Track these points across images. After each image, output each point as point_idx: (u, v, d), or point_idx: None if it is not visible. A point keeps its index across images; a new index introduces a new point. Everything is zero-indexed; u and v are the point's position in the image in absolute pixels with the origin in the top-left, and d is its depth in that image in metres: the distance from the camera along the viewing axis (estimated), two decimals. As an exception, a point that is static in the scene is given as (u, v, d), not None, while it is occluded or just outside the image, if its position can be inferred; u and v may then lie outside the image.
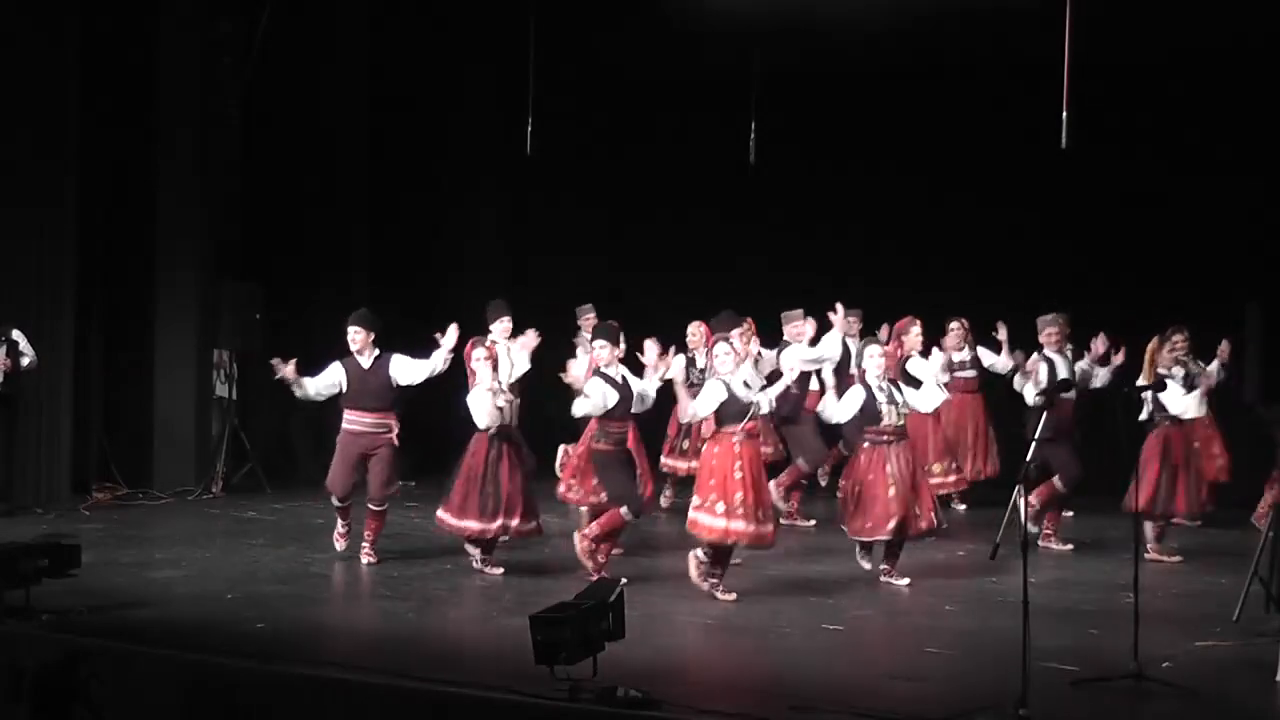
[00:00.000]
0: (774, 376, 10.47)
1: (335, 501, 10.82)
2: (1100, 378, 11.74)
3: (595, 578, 9.65)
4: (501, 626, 8.85)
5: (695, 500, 9.48)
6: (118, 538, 11.47)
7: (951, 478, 12.94)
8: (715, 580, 9.56)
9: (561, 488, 11.45)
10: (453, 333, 10.64)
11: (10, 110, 12.75)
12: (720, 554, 9.58)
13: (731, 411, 9.42)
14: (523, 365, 10.82)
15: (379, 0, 15.21)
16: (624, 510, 9.95)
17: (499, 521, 10.14)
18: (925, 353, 11.62)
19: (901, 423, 10.09)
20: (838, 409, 10.17)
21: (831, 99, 15.04)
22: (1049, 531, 11.58)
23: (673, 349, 10.72)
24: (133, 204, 13.84)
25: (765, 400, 9.70)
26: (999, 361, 12.80)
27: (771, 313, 12.29)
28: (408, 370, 10.69)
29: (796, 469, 12.49)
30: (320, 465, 14.56)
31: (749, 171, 14.28)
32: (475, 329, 11.17)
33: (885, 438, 10.01)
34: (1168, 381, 10.67)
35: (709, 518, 9.37)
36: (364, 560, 10.65)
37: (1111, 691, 7.43)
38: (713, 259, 15.23)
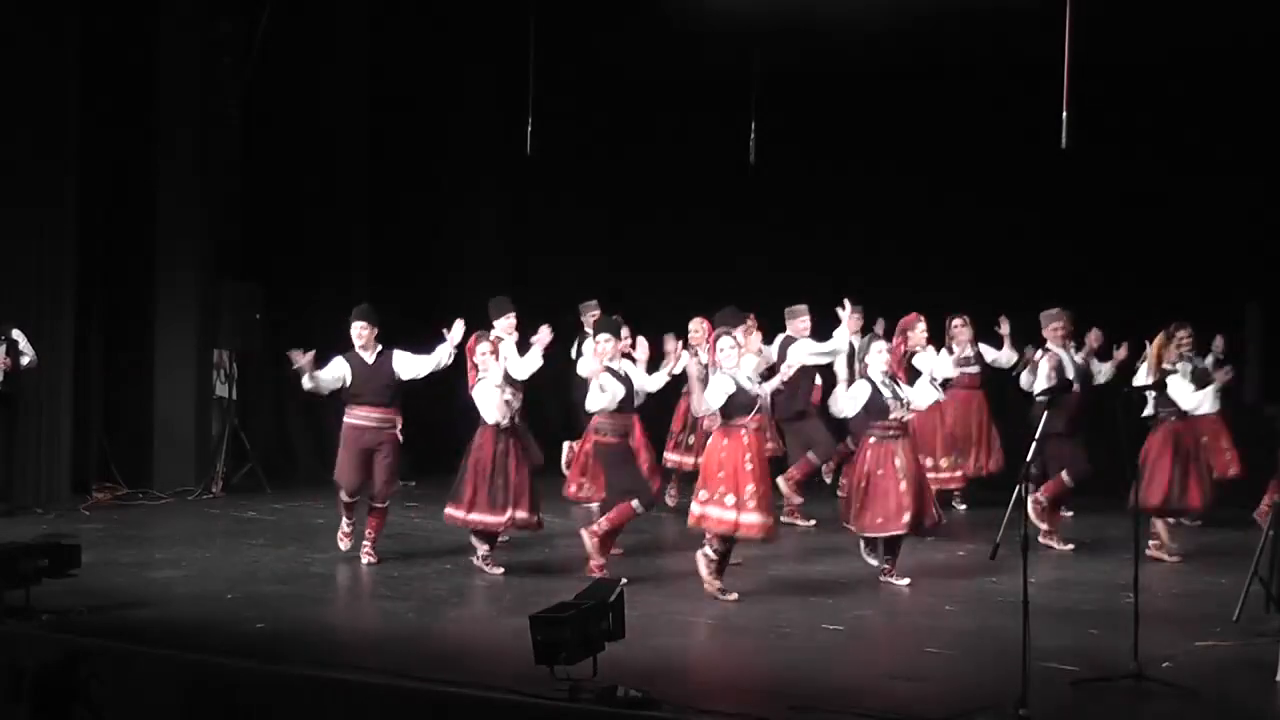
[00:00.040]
0: (772, 371, 10.49)
1: (344, 497, 10.76)
2: (1104, 373, 11.77)
3: (600, 574, 9.67)
4: (501, 626, 8.85)
5: (702, 494, 9.44)
6: (118, 538, 11.47)
7: (957, 473, 12.98)
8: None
9: (573, 487, 11.45)
10: (458, 328, 10.66)
11: (10, 110, 12.74)
12: (725, 550, 9.58)
13: (740, 404, 9.42)
14: (536, 362, 10.86)
15: (379, 0, 15.21)
16: (635, 503, 9.96)
17: (509, 513, 10.16)
18: (933, 348, 11.74)
19: (906, 418, 10.12)
20: (846, 403, 10.17)
21: (831, 99, 15.05)
22: (1049, 529, 11.59)
23: (679, 344, 10.79)
24: (133, 204, 13.83)
25: (767, 392, 9.72)
26: (1001, 356, 12.87)
27: (772, 312, 12.28)
28: (411, 365, 10.71)
29: (808, 462, 12.55)
30: (321, 465, 14.64)
31: (749, 171, 14.28)
32: (476, 328, 11.16)
33: (892, 432, 10.02)
34: (1177, 378, 10.73)
35: (719, 510, 9.35)
36: (364, 560, 10.65)
37: (1111, 691, 7.44)
38: (713, 259, 15.24)
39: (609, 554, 10.21)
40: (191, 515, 12.79)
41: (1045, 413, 8.19)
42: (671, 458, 12.95)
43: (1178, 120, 13.83)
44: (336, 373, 10.61)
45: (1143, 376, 11.01)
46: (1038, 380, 11.33)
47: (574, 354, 12.94)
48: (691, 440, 12.66)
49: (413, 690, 7.41)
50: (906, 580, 10.12)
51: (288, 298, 14.60)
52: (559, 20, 14.01)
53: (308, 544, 11.33)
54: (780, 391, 10.55)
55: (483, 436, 10.23)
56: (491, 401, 10.17)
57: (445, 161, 15.84)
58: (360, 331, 10.62)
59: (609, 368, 10.11)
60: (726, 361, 9.47)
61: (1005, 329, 12.76)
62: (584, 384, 11.88)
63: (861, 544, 10.35)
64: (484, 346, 10.32)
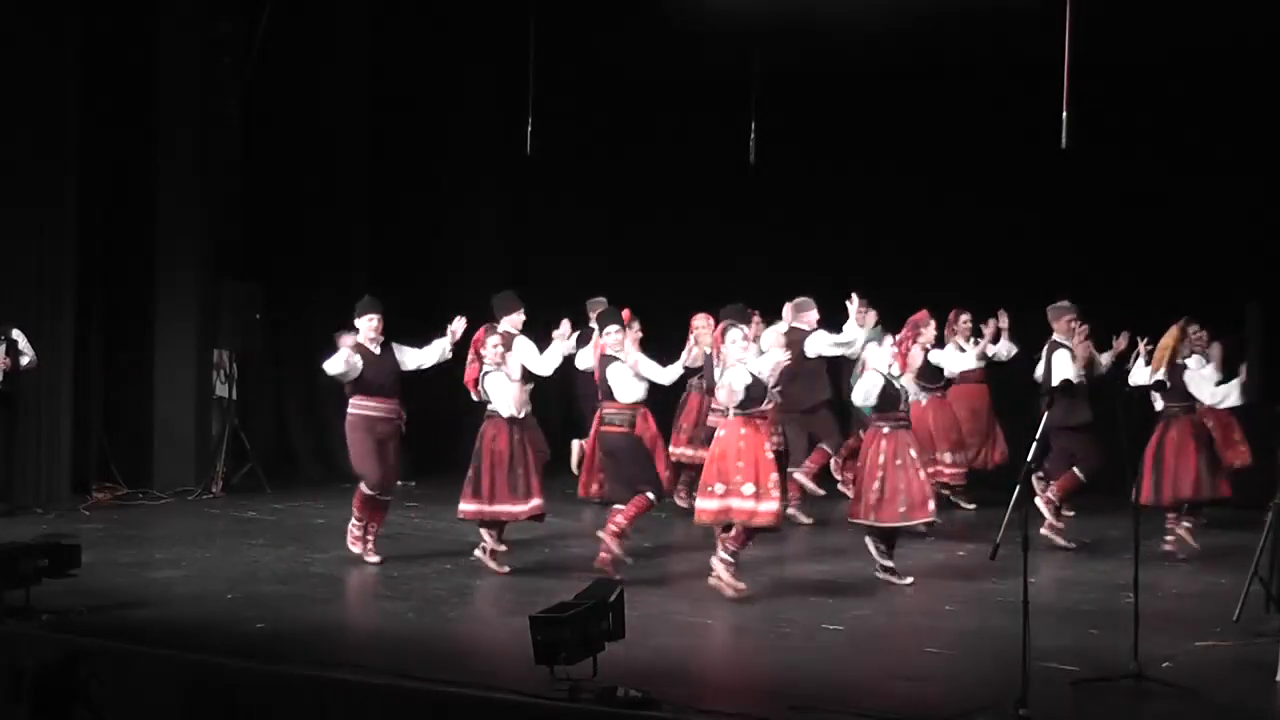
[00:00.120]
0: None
1: (370, 491, 10.63)
2: (1103, 365, 11.79)
3: (611, 569, 9.66)
4: (501, 626, 8.85)
5: (718, 487, 9.38)
6: (118, 538, 11.47)
7: (961, 468, 13.01)
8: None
9: (594, 486, 11.43)
10: (459, 323, 10.69)
11: (10, 110, 12.75)
12: (741, 548, 9.56)
13: (755, 394, 9.43)
14: (558, 358, 10.88)
15: (379, 0, 15.21)
16: (649, 494, 9.97)
17: (531, 502, 10.20)
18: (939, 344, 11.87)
19: (908, 409, 10.21)
20: (863, 392, 10.16)
21: (831, 99, 15.04)
22: (1056, 526, 11.57)
23: (692, 339, 10.87)
24: (133, 204, 13.83)
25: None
26: (1001, 350, 12.90)
27: (773, 312, 12.28)
28: (413, 357, 10.77)
29: (822, 453, 12.61)
30: (321, 465, 14.67)
31: (749, 171, 14.27)
32: (477, 326, 11.16)
33: (903, 423, 10.07)
34: (1204, 371, 10.84)
35: (739, 501, 9.33)
36: (372, 559, 10.63)
37: (1111, 691, 7.44)
38: (713, 259, 15.22)
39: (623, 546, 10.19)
40: (191, 515, 12.79)
41: (1046, 412, 8.19)
42: (686, 452, 12.82)
43: (1178, 120, 13.82)
44: (352, 361, 10.57)
45: (1143, 374, 11.04)
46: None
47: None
48: (701, 435, 12.59)
49: (413, 690, 7.41)
50: (910, 579, 10.11)
51: (288, 298, 14.61)
52: (559, 20, 14.01)
53: (308, 544, 11.33)
54: (794, 382, 10.57)
55: (496, 428, 10.22)
56: (509, 394, 10.19)
57: (445, 161, 15.84)
58: (374, 323, 10.63)
59: (616, 357, 10.11)
60: (739, 353, 9.46)
61: (1004, 323, 12.83)
62: (586, 380, 11.91)
63: (871, 542, 10.21)
64: (494, 340, 10.32)
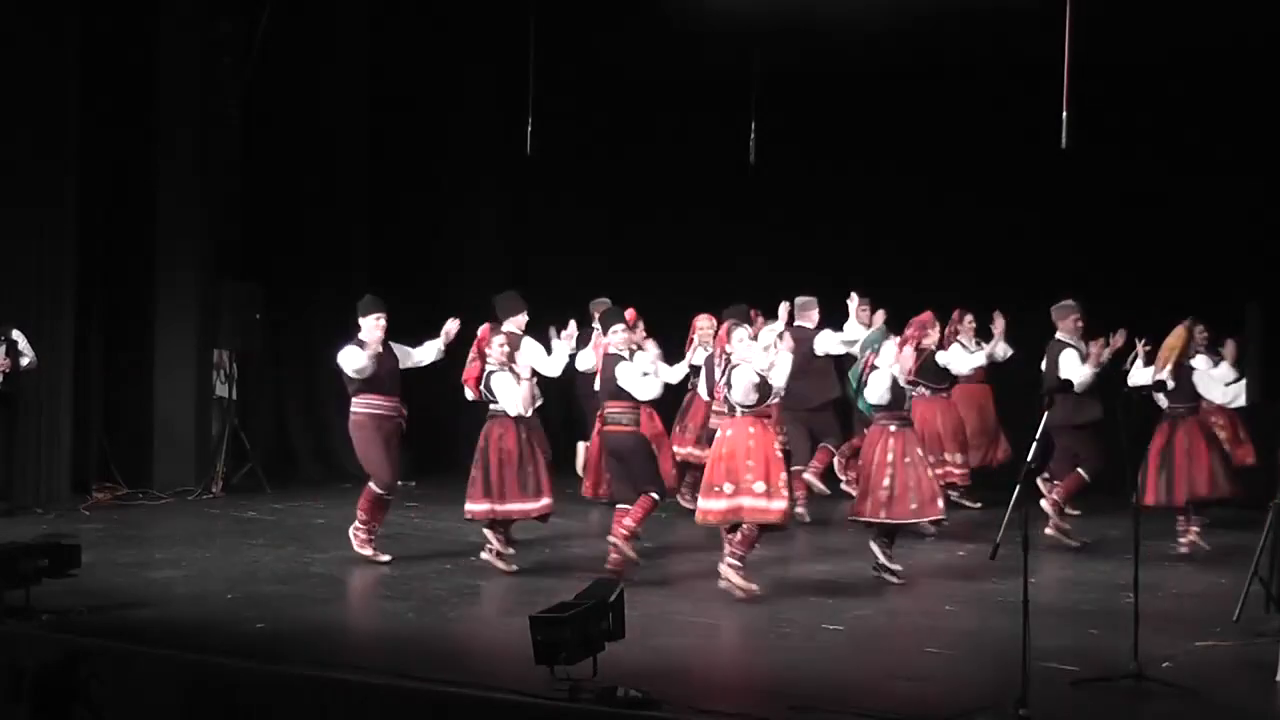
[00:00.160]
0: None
1: (380, 491, 10.64)
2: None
3: (624, 573, 9.66)
4: (501, 626, 8.85)
5: (726, 487, 9.35)
6: (118, 538, 11.47)
7: (964, 468, 13.02)
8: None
9: (603, 486, 11.42)
10: (454, 325, 10.72)
11: (10, 110, 12.75)
12: (750, 549, 9.57)
13: (764, 393, 9.44)
14: (564, 359, 10.90)
15: (379, 0, 15.21)
16: (654, 494, 9.97)
17: (542, 500, 10.23)
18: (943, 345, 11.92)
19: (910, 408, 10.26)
20: (874, 389, 10.16)
21: (831, 99, 15.04)
22: (1062, 526, 11.56)
23: (694, 338, 10.86)
24: (133, 204, 13.83)
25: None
26: (998, 350, 12.90)
27: (773, 312, 12.26)
28: (410, 355, 10.81)
29: (827, 451, 12.67)
30: (321, 465, 14.68)
31: (749, 171, 14.27)
32: (476, 327, 11.16)
33: (906, 422, 10.11)
34: (1206, 372, 10.87)
35: (750, 499, 9.32)
36: (380, 559, 10.62)
37: (1111, 691, 7.43)
38: (713, 259, 15.22)
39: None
40: (191, 515, 12.79)
41: (1046, 412, 8.18)
42: (694, 452, 12.78)
43: (1178, 120, 13.82)
44: (363, 358, 10.54)
45: (1142, 374, 11.03)
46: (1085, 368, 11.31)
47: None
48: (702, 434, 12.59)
49: (413, 690, 7.41)
50: (898, 567, 10.11)
51: (288, 298, 14.62)
52: (559, 20, 14.01)
53: (308, 544, 11.33)
54: (799, 380, 10.59)
55: (503, 427, 10.22)
56: (517, 394, 10.20)
57: (445, 161, 15.84)
58: (380, 322, 10.64)
59: (621, 356, 10.11)
60: (745, 352, 9.46)
61: (1000, 325, 12.83)
62: (587, 381, 11.90)
63: (875, 543, 10.16)
64: (500, 339, 10.32)
